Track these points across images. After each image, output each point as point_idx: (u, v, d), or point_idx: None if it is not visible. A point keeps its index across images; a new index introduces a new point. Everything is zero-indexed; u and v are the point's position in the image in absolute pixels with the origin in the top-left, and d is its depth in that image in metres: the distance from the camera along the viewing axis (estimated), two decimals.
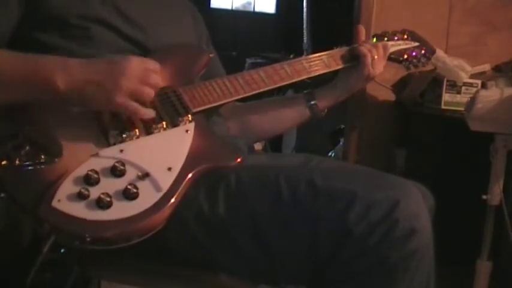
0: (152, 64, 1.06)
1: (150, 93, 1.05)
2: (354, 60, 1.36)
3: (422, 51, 1.50)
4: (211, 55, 1.28)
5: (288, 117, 1.42)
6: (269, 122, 1.42)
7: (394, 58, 1.46)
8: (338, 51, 1.36)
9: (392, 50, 1.44)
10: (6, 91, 1.01)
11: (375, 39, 1.44)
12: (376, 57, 1.34)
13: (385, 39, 1.45)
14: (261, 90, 1.24)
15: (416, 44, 1.50)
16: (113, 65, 1.02)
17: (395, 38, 1.47)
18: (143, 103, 1.05)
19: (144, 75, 1.04)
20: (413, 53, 1.48)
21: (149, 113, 1.06)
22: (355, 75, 1.37)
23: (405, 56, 1.47)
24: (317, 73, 1.32)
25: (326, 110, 1.42)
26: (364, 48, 1.34)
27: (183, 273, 1.11)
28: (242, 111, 1.40)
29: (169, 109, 1.11)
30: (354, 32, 1.40)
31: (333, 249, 1.00)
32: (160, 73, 1.13)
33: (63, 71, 1.00)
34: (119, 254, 0.98)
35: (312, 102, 1.38)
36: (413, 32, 1.51)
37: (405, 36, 1.49)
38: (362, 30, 1.40)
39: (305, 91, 1.41)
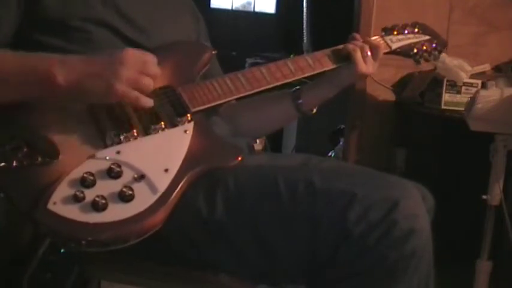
0: (150, 56, 1.05)
1: (149, 83, 1.04)
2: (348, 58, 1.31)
3: (433, 45, 1.46)
4: (213, 51, 1.26)
5: (275, 117, 1.39)
6: (256, 122, 1.39)
7: (402, 52, 1.42)
8: (341, 47, 1.32)
9: (400, 44, 1.40)
10: (5, 89, 1.01)
11: (383, 33, 1.41)
12: (369, 53, 1.30)
13: (395, 32, 1.41)
14: (263, 88, 1.22)
15: (427, 37, 1.45)
16: (111, 57, 1.02)
17: (405, 31, 1.43)
18: (143, 93, 1.04)
19: (142, 65, 1.03)
20: (424, 47, 1.44)
21: (149, 102, 1.05)
22: (346, 72, 1.32)
23: (415, 50, 1.43)
24: (321, 70, 1.29)
25: (315, 109, 1.37)
26: (352, 46, 1.30)
27: (183, 273, 1.11)
28: (229, 111, 1.36)
29: (168, 109, 1.10)
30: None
31: (332, 249, 1.00)
32: (160, 72, 1.13)
33: (62, 66, 0.99)
34: (119, 254, 0.98)
35: (299, 101, 1.34)
36: (424, 25, 1.47)
37: (416, 30, 1.45)
38: (357, 37, 1.35)
39: (292, 89, 1.36)
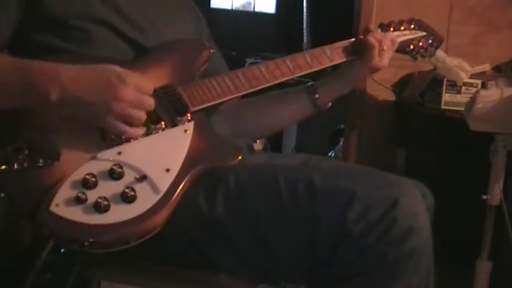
0: (147, 87, 1.04)
1: (141, 116, 1.02)
2: (358, 52, 1.33)
3: (430, 41, 1.46)
4: (212, 50, 1.25)
5: (289, 113, 1.39)
6: (268, 119, 1.39)
7: (399, 49, 1.42)
8: (341, 44, 1.33)
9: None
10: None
11: (379, 30, 1.41)
12: (385, 47, 1.31)
13: (391, 29, 1.41)
14: (262, 86, 1.22)
15: (424, 33, 1.46)
16: (108, 87, 0.99)
17: (402, 27, 1.43)
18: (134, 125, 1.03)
19: (138, 99, 1.01)
20: (421, 43, 1.45)
21: (136, 133, 1.04)
22: (359, 66, 1.33)
23: (411, 46, 1.44)
24: (319, 67, 1.30)
25: (330, 104, 1.38)
26: (372, 39, 1.31)
27: (183, 273, 1.11)
28: (239, 109, 1.37)
29: (168, 109, 1.10)
30: (361, 29, 1.37)
31: (332, 248, 1.00)
32: (159, 72, 1.12)
33: (57, 86, 0.98)
34: (119, 254, 0.98)
35: (316, 96, 1.34)
36: (421, 21, 1.47)
37: (412, 26, 1.45)
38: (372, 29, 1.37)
39: (307, 84, 1.37)
